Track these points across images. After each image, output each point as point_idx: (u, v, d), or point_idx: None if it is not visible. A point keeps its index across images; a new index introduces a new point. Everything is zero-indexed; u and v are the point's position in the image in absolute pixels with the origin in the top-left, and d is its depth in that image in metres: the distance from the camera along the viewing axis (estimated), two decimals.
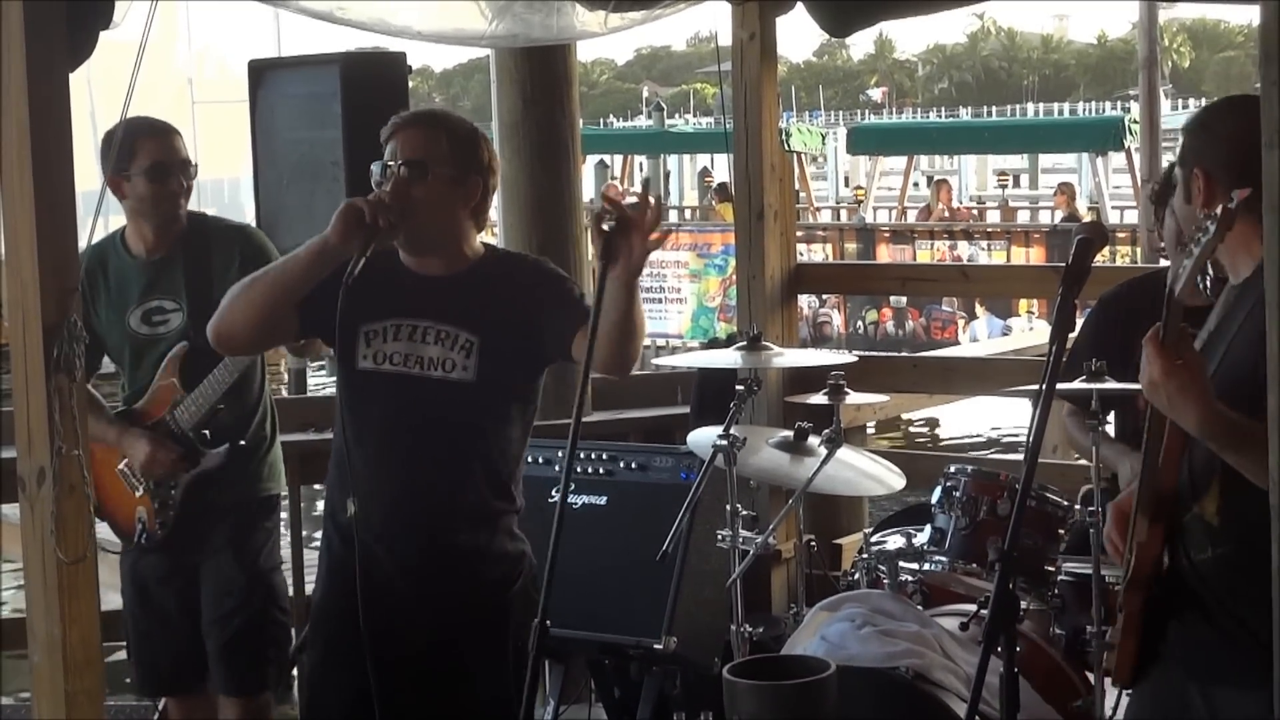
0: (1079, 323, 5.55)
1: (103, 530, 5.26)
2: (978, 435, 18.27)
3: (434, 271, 4.11)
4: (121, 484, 5.33)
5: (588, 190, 28.03)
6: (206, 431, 5.19)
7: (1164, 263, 5.49)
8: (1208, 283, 4.95)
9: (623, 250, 3.69)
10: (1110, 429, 5.43)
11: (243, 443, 5.24)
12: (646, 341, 16.12)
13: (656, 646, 5.66)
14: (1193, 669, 3.30)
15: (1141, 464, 3.34)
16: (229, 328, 4.13)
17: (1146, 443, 3.32)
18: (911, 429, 18.56)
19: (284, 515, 5.81)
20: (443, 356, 4.04)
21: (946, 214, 22.40)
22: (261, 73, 5.98)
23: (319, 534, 5.59)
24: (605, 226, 3.67)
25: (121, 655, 7.57)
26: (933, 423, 19.09)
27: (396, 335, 4.06)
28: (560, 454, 6.10)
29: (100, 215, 5.43)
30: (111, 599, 5.66)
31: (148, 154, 5.20)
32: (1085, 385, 4.84)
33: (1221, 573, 3.18)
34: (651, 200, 3.75)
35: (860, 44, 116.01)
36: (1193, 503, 3.29)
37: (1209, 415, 3.07)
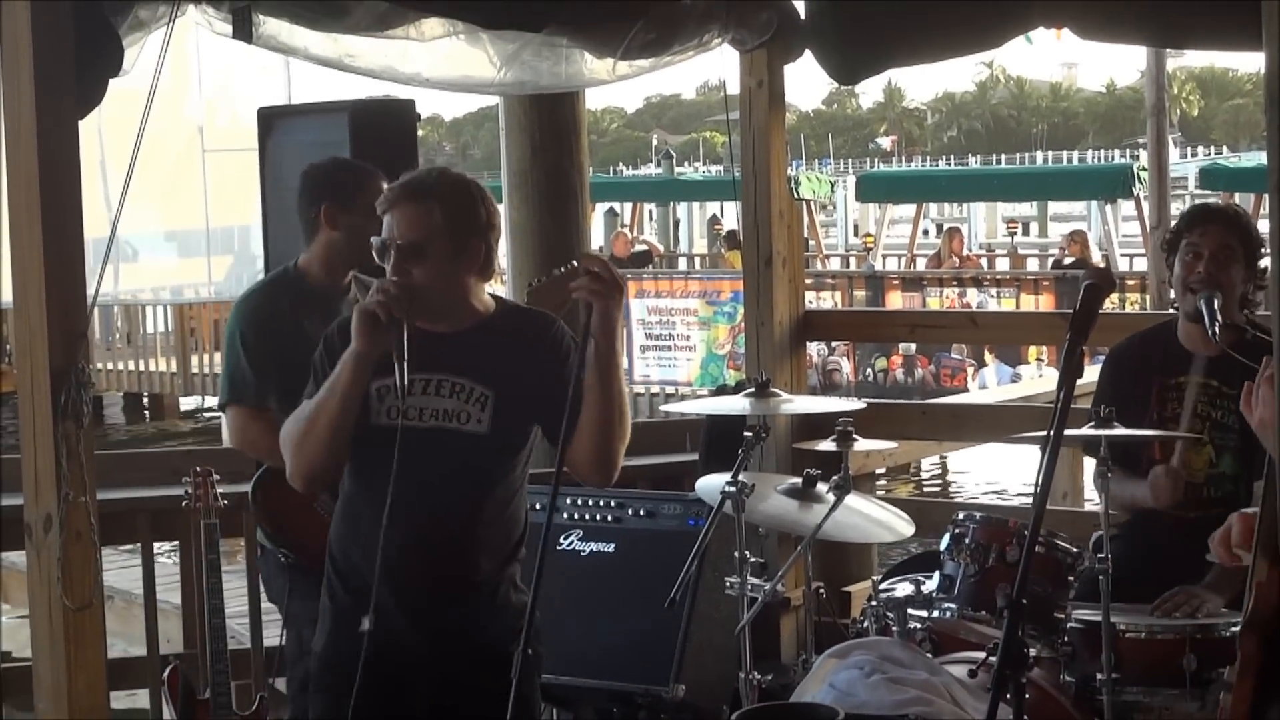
0: (1092, 372, 5.55)
1: (110, 578, 5.24)
2: (989, 483, 18.27)
3: (443, 328, 4.11)
4: (318, 514, 5.11)
5: (596, 238, 28.06)
6: None
7: (1174, 311, 5.48)
8: (1216, 329, 4.97)
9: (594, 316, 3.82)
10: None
11: None
12: (655, 389, 15.98)
13: (665, 694, 5.65)
14: None
15: (1262, 507, 3.32)
16: (314, 471, 4.11)
17: (1266, 485, 3.30)
18: (923, 476, 18.55)
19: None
20: (458, 409, 4.04)
21: (958, 262, 22.40)
22: (271, 120, 6.02)
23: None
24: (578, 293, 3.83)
25: (128, 703, 7.56)
26: (942, 468, 19.09)
27: (410, 390, 4.05)
28: (567, 500, 6.11)
29: (109, 262, 5.43)
30: (117, 647, 5.64)
31: (374, 190, 5.17)
32: (1094, 432, 4.82)
33: None
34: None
35: (869, 92, 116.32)
36: None
37: None
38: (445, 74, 5.93)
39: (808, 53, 6.81)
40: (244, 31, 5.22)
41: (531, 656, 4.04)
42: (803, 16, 6.77)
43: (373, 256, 5.04)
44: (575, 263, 5.42)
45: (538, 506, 6.03)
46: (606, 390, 3.92)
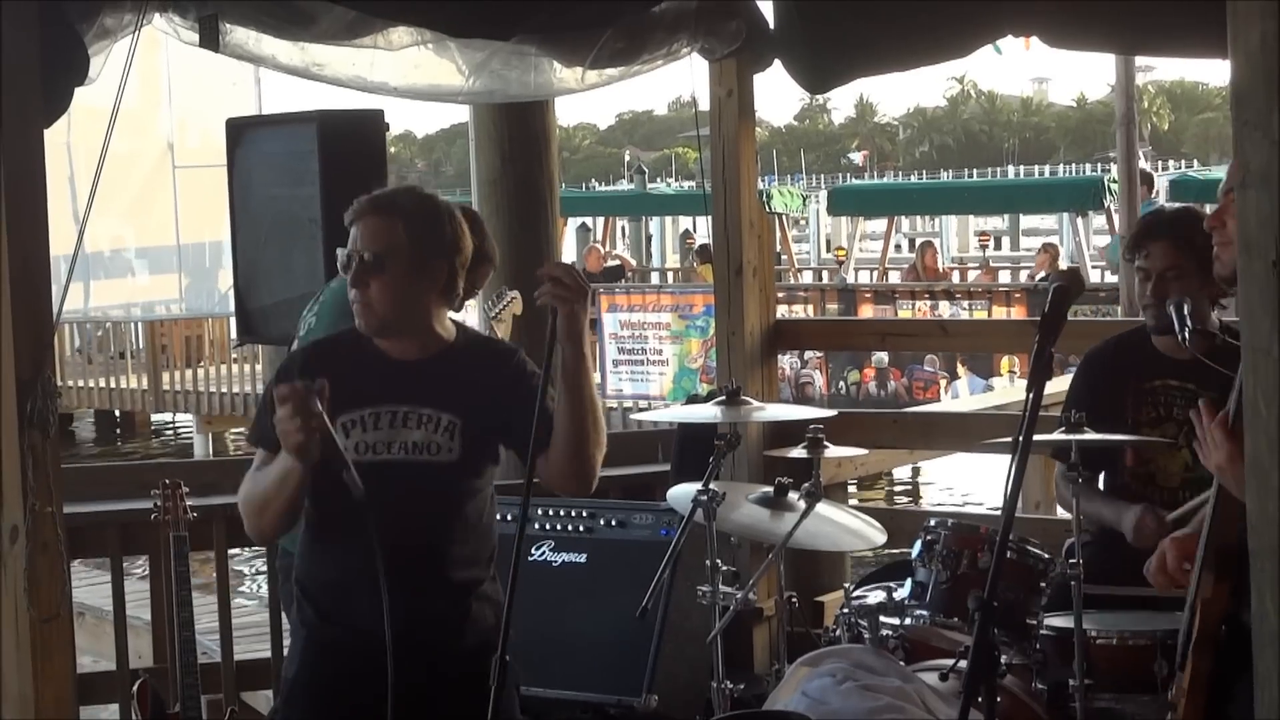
0: (1063, 379, 5.55)
1: (80, 594, 5.21)
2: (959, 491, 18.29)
3: (408, 356, 4.08)
4: None
5: (569, 252, 28.06)
6: None
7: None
8: (1187, 334, 4.96)
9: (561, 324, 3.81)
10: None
11: None
12: (628, 403, 15.98)
13: (637, 704, 5.64)
14: None
15: (1209, 522, 3.32)
16: (270, 536, 4.35)
17: (1214, 500, 3.30)
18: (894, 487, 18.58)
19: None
20: (426, 440, 4.02)
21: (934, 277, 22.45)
22: (240, 131, 5.99)
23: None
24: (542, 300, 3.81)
25: (98, 715, 7.51)
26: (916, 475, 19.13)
27: (377, 424, 4.02)
28: (539, 511, 6.09)
29: (80, 279, 5.39)
30: (85, 662, 5.60)
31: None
32: (1065, 437, 4.82)
33: None
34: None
35: (841, 107, 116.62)
36: None
37: None
38: (414, 83, 5.91)
39: (777, 63, 6.81)
40: (211, 40, 5.20)
41: (507, 668, 4.03)
42: (772, 26, 6.77)
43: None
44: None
45: (509, 518, 6.08)
46: (577, 397, 3.91)
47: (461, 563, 4.08)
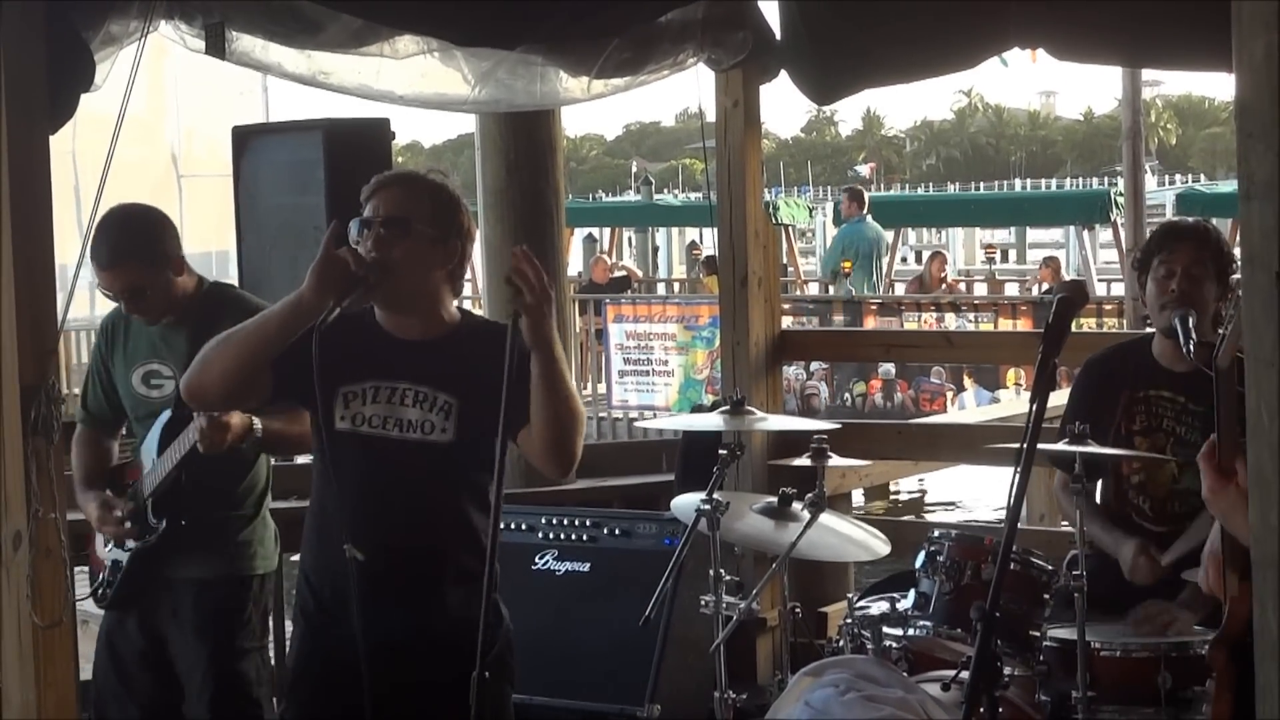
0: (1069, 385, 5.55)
1: (88, 603, 5.19)
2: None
3: (411, 335, 4.09)
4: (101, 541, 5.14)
5: (576, 263, 28.04)
6: (150, 501, 4.98)
7: (1148, 329, 5.49)
8: (1191, 347, 4.97)
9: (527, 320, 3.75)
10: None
11: (183, 521, 4.94)
12: (633, 414, 15.96)
13: (640, 714, 5.64)
14: None
15: (1223, 531, 3.31)
16: (201, 383, 4.04)
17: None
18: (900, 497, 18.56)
19: None
20: (421, 419, 4.02)
21: (944, 286, 22.37)
22: (245, 139, 5.98)
23: None
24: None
25: None
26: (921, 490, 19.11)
27: (375, 397, 4.03)
28: (542, 520, 6.10)
29: (86, 288, 5.39)
30: (88, 669, 5.58)
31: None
32: (1067, 447, 4.82)
33: None
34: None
35: (849, 120, 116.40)
36: None
37: None
38: (419, 91, 5.92)
39: (784, 74, 6.82)
40: (217, 47, 5.21)
41: (504, 667, 4.02)
42: (778, 37, 6.77)
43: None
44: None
45: (513, 526, 6.09)
46: (554, 393, 3.87)
47: (463, 555, 4.04)
